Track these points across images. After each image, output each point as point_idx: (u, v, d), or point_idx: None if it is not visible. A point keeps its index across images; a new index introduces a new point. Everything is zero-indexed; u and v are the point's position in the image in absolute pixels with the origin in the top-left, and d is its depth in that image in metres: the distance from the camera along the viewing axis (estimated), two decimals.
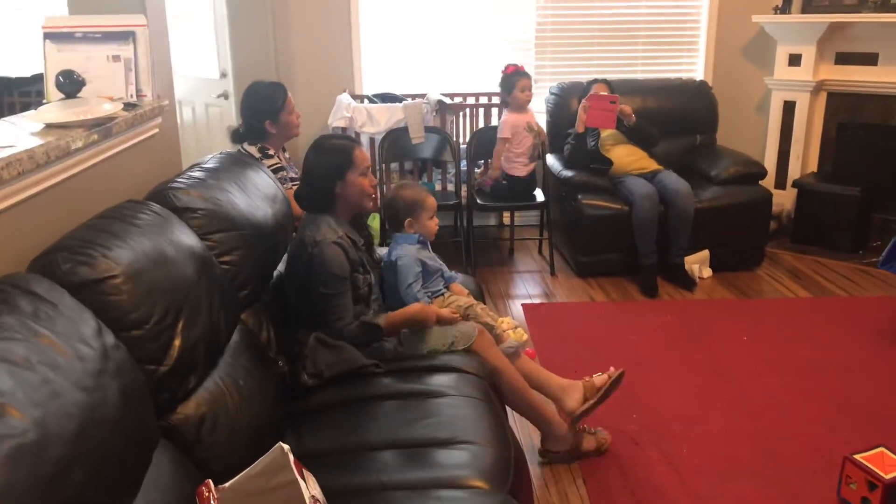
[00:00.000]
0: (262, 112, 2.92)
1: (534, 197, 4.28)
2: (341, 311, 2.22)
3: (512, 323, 2.51)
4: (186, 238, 1.84)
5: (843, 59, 4.59)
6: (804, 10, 4.64)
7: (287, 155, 3.15)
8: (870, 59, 4.47)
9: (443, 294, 2.51)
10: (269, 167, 2.79)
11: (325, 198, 2.30)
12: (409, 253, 2.44)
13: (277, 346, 2.20)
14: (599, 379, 2.52)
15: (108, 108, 1.93)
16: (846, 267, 4.33)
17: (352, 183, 2.30)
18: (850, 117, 4.65)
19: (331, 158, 2.30)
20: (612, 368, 2.56)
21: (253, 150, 2.91)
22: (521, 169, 4.21)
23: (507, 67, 4.26)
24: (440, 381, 2.10)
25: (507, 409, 2.33)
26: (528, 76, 4.22)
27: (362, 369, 2.13)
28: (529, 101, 4.22)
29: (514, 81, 4.15)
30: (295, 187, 2.93)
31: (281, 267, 2.49)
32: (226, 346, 1.86)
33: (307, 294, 2.23)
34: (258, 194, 2.35)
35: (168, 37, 2.73)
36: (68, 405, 1.12)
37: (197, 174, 2.19)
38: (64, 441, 1.08)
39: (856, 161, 4.66)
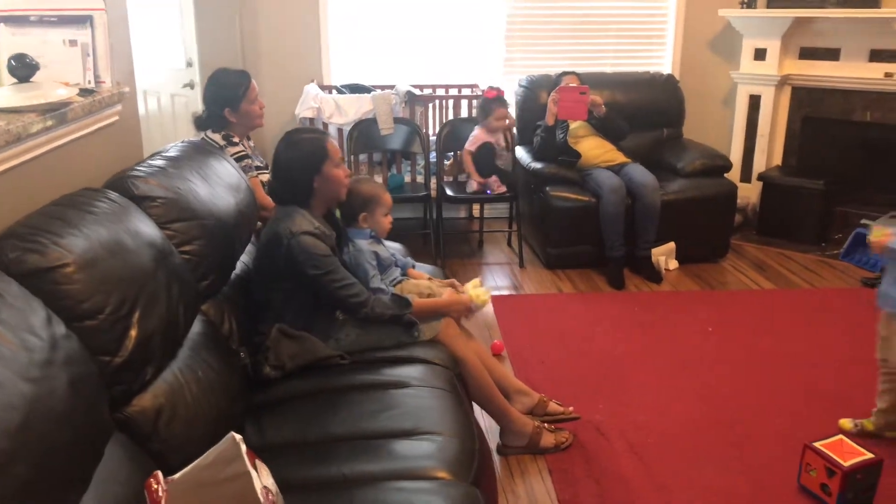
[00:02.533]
0: (222, 100, 2.87)
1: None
2: (351, 286, 2.21)
3: (476, 282, 2.54)
4: (145, 227, 1.80)
5: (807, 53, 4.65)
6: (769, 5, 4.68)
7: (252, 143, 3.10)
8: (832, 55, 4.53)
9: (401, 281, 2.50)
10: (232, 155, 2.74)
11: (302, 192, 2.27)
12: (363, 248, 2.42)
13: (240, 337, 2.16)
14: (555, 406, 2.62)
15: (62, 94, 1.88)
16: (809, 259, 4.39)
17: (328, 175, 2.28)
18: (813, 111, 4.72)
19: (305, 152, 2.27)
20: (571, 408, 2.64)
21: (217, 137, 2.86)
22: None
23: (487, 90, 4.28)
24: (405, 371, 2.09)
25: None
26: (505, 105, 4.26)
27: (326, 360, 2.11)
28: (503, 128, 4.27)
29: (492, 109, 4.18)
30: (260, 175, 2.89)
31: (245, 258, 2.46)
32: (185, 338, 1.83)
33: (290, 286, 2.20)
34: (221, 183, 2.31)
35: (128, 22, 2.66)
36: (12, 396, 1.08)
37: (157, 163, 2.14)
38: (8, 435, 1.05)
39: (819, 155, 4.73)
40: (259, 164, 2.98)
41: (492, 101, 4.20)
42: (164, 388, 1.62)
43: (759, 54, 4.74)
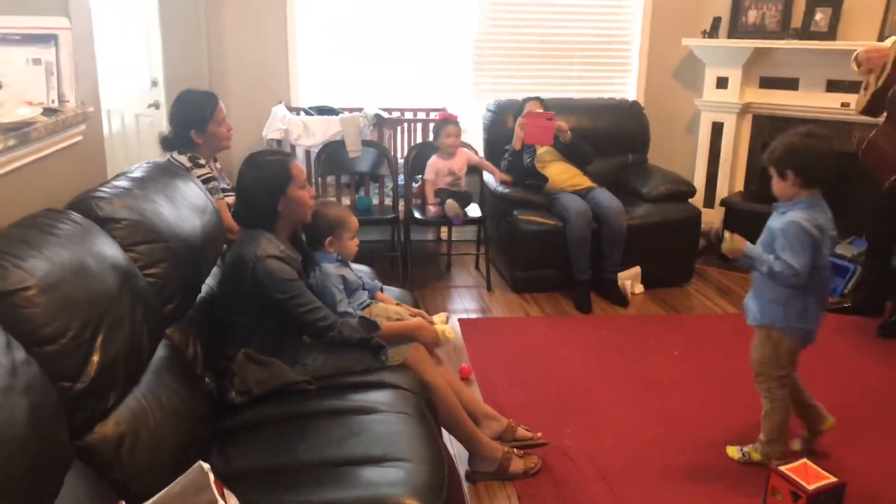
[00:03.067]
0: (188, 121, 2.84)
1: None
2: (318, 310, 2.18)
3: (443, 317, 2.54)
4: (108, 249, 1.77)
5: (767, 83, 4.77)
6: (730, 35, 4.81)
7: (219, 165, 3.07)
8: (791, 84, 4.66)
9: (369, 305, 2.48)
10: (199, 177, 2.71)
11: (266, 215, 2.25)
12: (329, 272, 2.40)
13: (205, 362, 2.12)
14: (523, 432, 2.61)
15: (24, 113, 1.84)
16: None
17: (293, 197, 2.26)
18: (773, 139, 4.81)
19: (269, 175, 2.24)
20: (539, 434, 2.63)
21: (183, 159, 2.83)
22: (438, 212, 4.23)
23: (439, 115, 4.41)
24: (373, 397, 2.06)
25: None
26: (453, 124, 4.25)
27: (293, 386, 2.08)
28: (454, 146, 4.22)
29: (441, 128, 4.20)
30: (226, 197, 2.86)
31: (210, 281, 2.42)
32: (149, 363, 1.79)
33: (255, 310, 2.17)
34: (186, 205, 2.28)
35: (94, 41, 2.63)
36: None
37: (122, 184, 2.11)
38: None
39: None
40: (225, 186, 2.95)
41: (440, 123, 4.24)
42: (126, 414, 1.57)
43: (722, 83, 4.85)
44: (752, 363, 2.58)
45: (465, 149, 4.36)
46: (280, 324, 2.21)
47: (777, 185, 2.45)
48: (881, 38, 4.08)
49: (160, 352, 1.87)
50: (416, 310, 2.61)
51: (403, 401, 2.07)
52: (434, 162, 4.23)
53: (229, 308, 2.25)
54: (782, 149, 2.42)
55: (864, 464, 2.60)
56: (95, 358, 1.49)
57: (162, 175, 2.35)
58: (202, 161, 2.85)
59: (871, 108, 3.46)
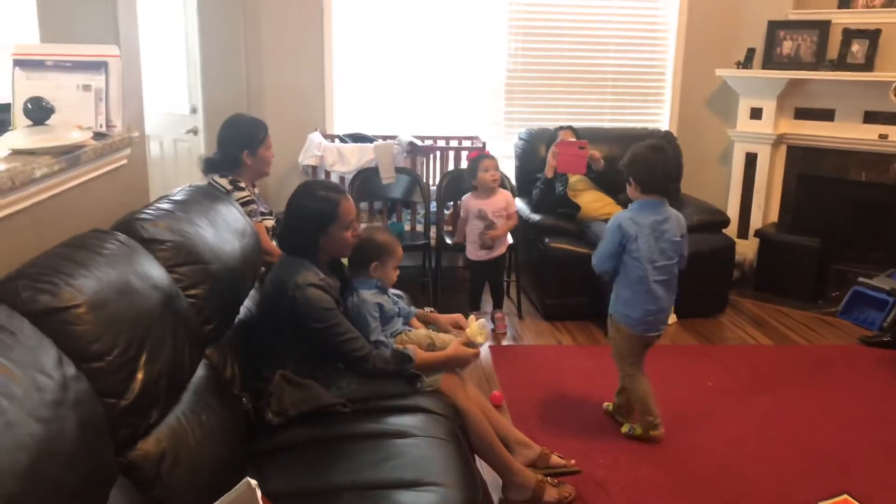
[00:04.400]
0: (242, 142, 2.91)
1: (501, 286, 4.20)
2: (353, 341, 2.20)
3: (473, 320, 2.54)
4: (152, 270, 1.81)
5: (802, 114, 4.74)
6: (765, 66, 4.80)
7: (257, 191, 3.13)
8: (827, 115, 4.63)
9: (401, 332, 2.49)
10: (239, 200, 2.76)
11: (307, 245, 2.29)
12: (366, 299, 2.41)
13: (242, 382, 2.14)
14: (556, 460, 2.59)
15: (76, 136, 1.90)
16: (806, 316, 4.40)
17: (334, 237, 2.30)
18: (808, 170, 4.79)
19: (316, 210, 2.28)
20: (573, 461, 2.62)
21: (224, 182, 2.88)
22: (474, 252, 4.03)
23: (470, 153, 4.27)
24: (407, 421, 2.07)
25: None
26: (490, 157, 4.04)
27: (328, 408, 2.09)
28: (494, 181, 3.92)
29: (477, 163, 3.97)
30: (265, 221, 2.91)
31: (248, 303, 2.45)
32: (189, 382, 1.81)
33: (293, 335, 2.20)
34: (227, 228, 2.32)
35: (141, 68, 2.72)
36: (23, 437, 1.07)
37: (165, 206, 2.16)
38: (15, 476, 1.03)
39: (815, 212, 4.78)
40: (264, 210, 3.00)
41: (475, 160, 4.02)
42: (167, 432, 1.60)
43: (756, 113, 4.83)
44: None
45: (506, 190, 4.13)
46: (316, 348, 2.23)
47: (628, 190, 2.80)
48: None
49: (200, 371, 1.90)
50: (451, 316, 2.64)
51: (437, 426, 2.07)
52: (469, 200, 4.01)
53: (267, 331, 2.28)
54: (628, 159, 2.77)
55: None
56: (140, 375, 1.52)
57: (203, 198, 2.39)
58: (242, 184, 2.91)
59: None
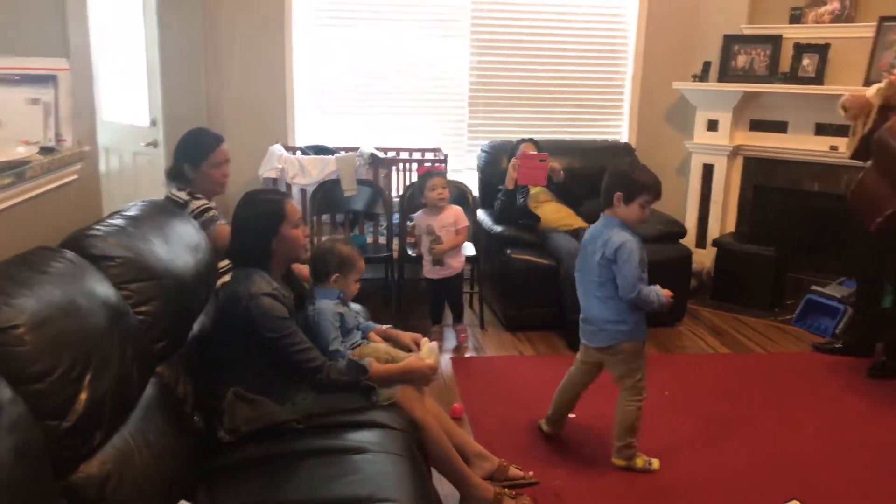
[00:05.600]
0: (186, 154, 2.92)
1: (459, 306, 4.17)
2: (307, 352, 2.19)
3: (426, 343, 2.52)
4: (101, 287, 1.78)
5: (757, 125, 4.84)
6: (720, 79, 4.89)
7: (214, 204, 3.10)
8: (780, 127, 4.73)
9: (360, 345, 2.49)
10: (197, 207, 2.78)
11: (260, 253, 2.27)
12: (328, 308, 2.41)
13: (194, 400, 2.12)
14: (515, 471, 2.60)
15: (21, 152, 1.87)
16: (763, 324, 4.48)
17: (286, 236, 2.30)
18: (764, 181, 4.89)
19: (263, 213, 2.28)
20: (531, 473, 2.63)
21: (182, 194, 2.88)
22: (429, 269, 4.04)
23: (418, 169, 4.19)
24: (362, 437, 2.06)
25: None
26: (438, 175, 4.02)
27: (282, 425, 2.08)
28: (442, 198, 3.94)
29: (424, 182, 3.97)
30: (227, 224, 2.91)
31: (202, 319, 2.43)
32: (138, 401, 1.79)
33: (247, 348, 2.18)
34: (181, 243, 2.30)
35: (93, 82, 2.69)
36: None
37: (117, 222, 2.13)
38: None
39: (770, 222, 4.88)
40: (224, 222, 2.98)
41: (422, 177, 4.03)
42: (112, 453, 1.57)
43: (712, 125, 4.93)
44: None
45: (459, 207, 4.10)
46: (271, 362, 2.21)
47: (618, 209, 2.83)
48: (867, 83, 4.15)
49: (149, 390, 1.87)
50: (412, 334, 2.63)
51: (393, 440, 2.07)
52: (419, 217, 4.05)
53: (221, 345, 2.25)
54: (623, 176, 2.82)
55: (852, 493, 2.59)
56: (83, 396, 1.49)
57: (157, 214, 2.37)
58: (199, 195, 2.89)
59: (859, 153, 3.52)
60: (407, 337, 2.63)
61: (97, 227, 2.05)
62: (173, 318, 2.08)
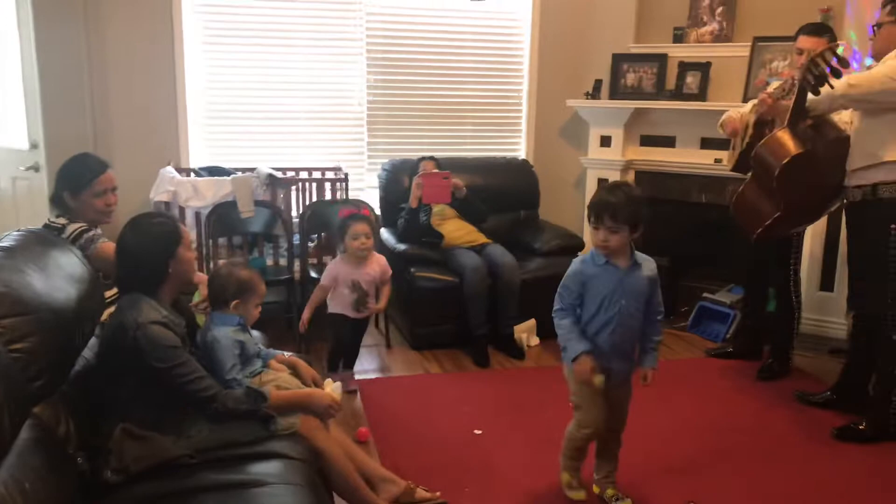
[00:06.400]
0: (65, 181, 2.79)
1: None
2: (199, 381, 2.09)
3: (330, 383, 2.46)
4: None
5: (647, 140, 5.05)
6: (611, 97, 5.07)
7: (100, 231, 2.96)
8: (668, 142, 4.95)
9: (260, 373, 2.40)
10: (76, 229, 2.68)
11: (153, 278, 2.17)
12: (226, 335, 2.32)
13: (78, 440, 1.99)
14: (422, 493, 2.58)
15: None
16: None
17: (182, 259, 2.22)
18: (656, 193, 5.07)
19: (159, 236, 2.19)
20: (438, 494, 2.61)
21: (61, 220, 2.73)
22: (352, 312, 3.58)
23: (340, 210, 3.61)
24: (262, 469, 1.99)
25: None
26: (363, 220, 3.46)
27: (174, 461, 1.98)
28: (367, 249, 3.46)
29: (346, 229, 3.45)
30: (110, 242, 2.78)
31: (87, 353, 2.29)
32: (11, 445, 1.66)
33: (136, 380, 2.07)
34: (61, 275, 2.16)
35: None
36: None
37: None
38: None
39: (663, 233, 5.05)
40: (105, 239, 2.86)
41: (345, 220, 3.48)
42: None
43: (605, 141, 5.10)
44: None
45: (382, 255, 3.65)
46: (162, 394, 2.10)
47: (628, 237, 2.68)
48: (745, 99, 4.41)
49: (25, 433, 1.74)
50: (313, 372, 2.54)
51: (294, 471, 2.01)
52: (335, 268, 3.51)
53: (108, 380, 2.13)
54: (635, 207, 2.58)
55: (745, 492, 2.70)
56: None
57: (35, 244, 2.22)
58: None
59: (739, 166, 3.71)
60: (308, 376, 2.50)
61: None
62: (53, 354, 1.95)
